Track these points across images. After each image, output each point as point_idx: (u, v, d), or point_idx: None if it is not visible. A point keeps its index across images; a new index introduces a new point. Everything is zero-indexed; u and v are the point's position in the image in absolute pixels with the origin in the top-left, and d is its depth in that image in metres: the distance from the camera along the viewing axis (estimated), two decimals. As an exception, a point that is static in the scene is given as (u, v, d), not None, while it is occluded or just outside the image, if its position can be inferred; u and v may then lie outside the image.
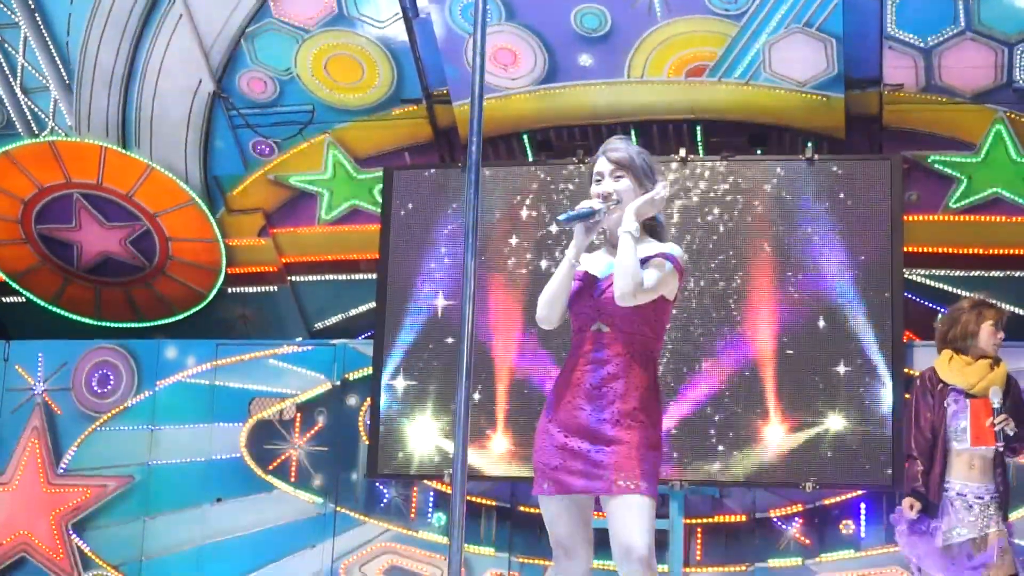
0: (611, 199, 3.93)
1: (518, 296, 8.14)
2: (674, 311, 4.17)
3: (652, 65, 8.24)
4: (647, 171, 3.98)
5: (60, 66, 8.95)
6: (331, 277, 9.36)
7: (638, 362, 3.90)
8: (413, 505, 8.57)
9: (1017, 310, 8.31)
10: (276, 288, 9.46)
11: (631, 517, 3.76)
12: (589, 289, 3.97)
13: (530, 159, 8.69)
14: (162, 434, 9.04)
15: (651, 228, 4.03)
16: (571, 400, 3.91)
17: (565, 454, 3.87)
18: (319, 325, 9.46)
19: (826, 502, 7.97)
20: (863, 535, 7.91)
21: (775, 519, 8.03)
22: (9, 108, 9.13)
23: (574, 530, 3.92)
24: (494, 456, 8.07)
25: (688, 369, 7.86)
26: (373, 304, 8.66)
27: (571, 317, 4.02)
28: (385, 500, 8.63)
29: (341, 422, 8.75)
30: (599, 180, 3.98)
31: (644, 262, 3.87)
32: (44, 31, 8.85)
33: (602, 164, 3.98)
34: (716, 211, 7.93)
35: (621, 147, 4.00)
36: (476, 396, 8.07)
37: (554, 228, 8.10)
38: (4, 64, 8.99)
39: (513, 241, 8.21)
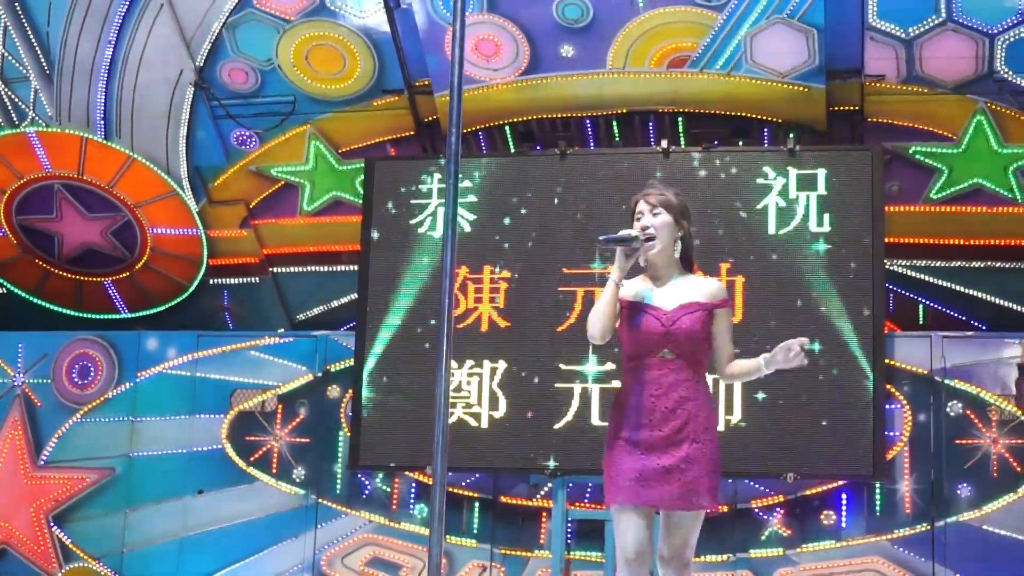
0: (649, 231, 4.30)
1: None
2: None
3: (634, 56, 8.24)
4: (684, 211, 4.39)
5: (40, 56, 8.90)
6: (313, 268, 9.34)
7: (702, 383, 4.31)
8: (395, 496, 8.57)
9: (998, 300, 8.34)
10: (258, 279, 9.43)
11: (694, 529, 4.28)
12: (653, 319, 4.27)
13: (512, 150, 8.68)
14: (143, 426, 9.02)
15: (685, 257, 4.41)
16: (646, 422, 4.23)
17: (643, 470, 4.21)
18: (301, 316, 9.44)
19: (807, 492, 7.98)
20: (844, 525, 7.91)
21: (756, 509, 8.04)
22: (-11, 98, 9.11)
23: (644, 537, 4.23)
24: (477, 447, 8.06)
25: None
26: (355, 296, 8.64)
27: (627, 344, 4.34)
28: (367, 491, 8.61)
29: (323, 414, 8.73)
30: (639, 217, 4.33)
31: (705, 306, 4.29)
32: (24, 20, 8.81)
33: (643, 205, 4.36)
34: (697, 202, 7.90)
35: (661, 190, 4.41)
36: (458, 386, 8.09)
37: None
38: (-17, 54, 8.97)
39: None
